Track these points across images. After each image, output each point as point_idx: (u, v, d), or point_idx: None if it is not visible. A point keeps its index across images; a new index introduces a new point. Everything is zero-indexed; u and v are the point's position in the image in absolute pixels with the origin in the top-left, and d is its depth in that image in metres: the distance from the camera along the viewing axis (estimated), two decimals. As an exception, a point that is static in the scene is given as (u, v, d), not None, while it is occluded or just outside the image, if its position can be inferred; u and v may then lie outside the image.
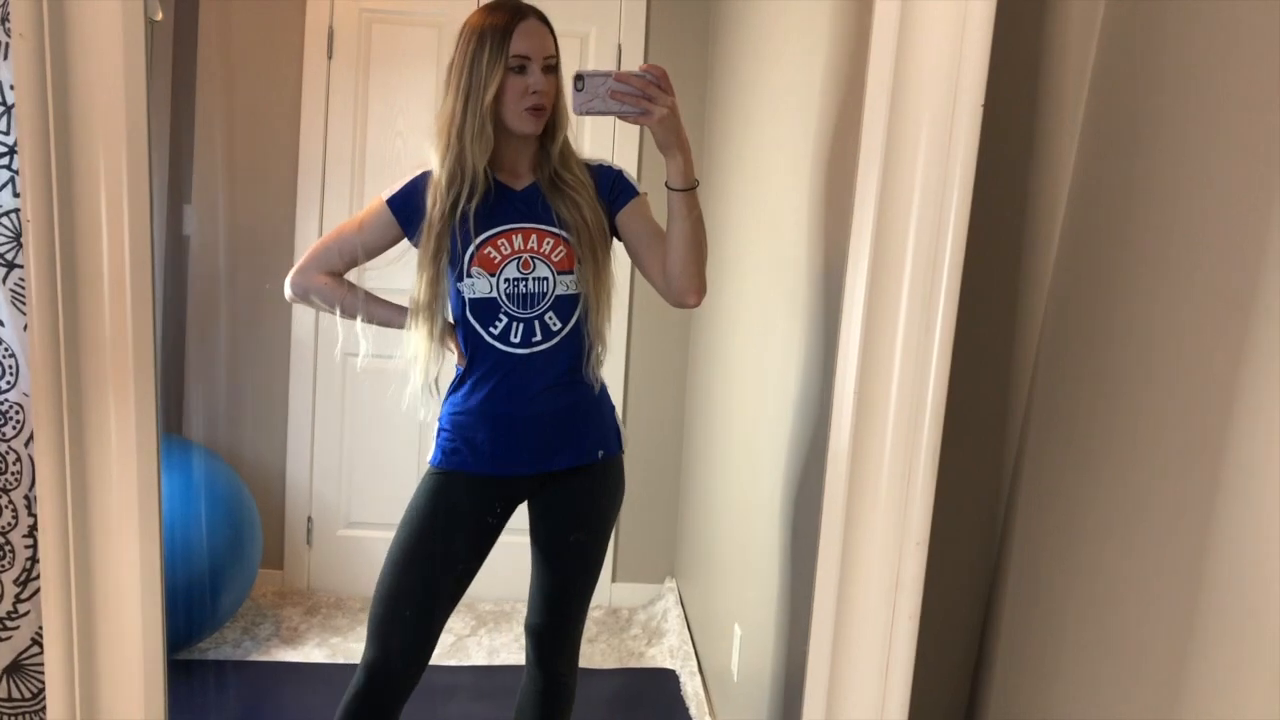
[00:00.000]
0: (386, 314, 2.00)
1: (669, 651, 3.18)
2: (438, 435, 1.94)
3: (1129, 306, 1.27)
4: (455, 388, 1.92)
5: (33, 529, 1.09)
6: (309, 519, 3.46)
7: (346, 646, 3.12)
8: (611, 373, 3.45)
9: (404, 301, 1.92)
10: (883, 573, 1.12)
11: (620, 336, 3.45)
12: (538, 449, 1.90)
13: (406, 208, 1.87)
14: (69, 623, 0.97)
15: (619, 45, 3.37)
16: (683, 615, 3.31)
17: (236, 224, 3.33)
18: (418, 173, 1.89)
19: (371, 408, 3.36)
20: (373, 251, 1.93)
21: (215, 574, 2.77)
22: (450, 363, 1.95)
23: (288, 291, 1.96)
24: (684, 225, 1.77)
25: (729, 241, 2.92)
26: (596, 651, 3.23)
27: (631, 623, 3.43)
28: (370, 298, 2.00)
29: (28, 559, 1.10)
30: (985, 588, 1.64)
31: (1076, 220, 1.42)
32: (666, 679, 3.03)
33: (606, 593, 3.57)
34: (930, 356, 1.09)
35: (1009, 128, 1.27)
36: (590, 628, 3.39)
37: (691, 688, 2.91)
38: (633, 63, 3.34)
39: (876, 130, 1.10)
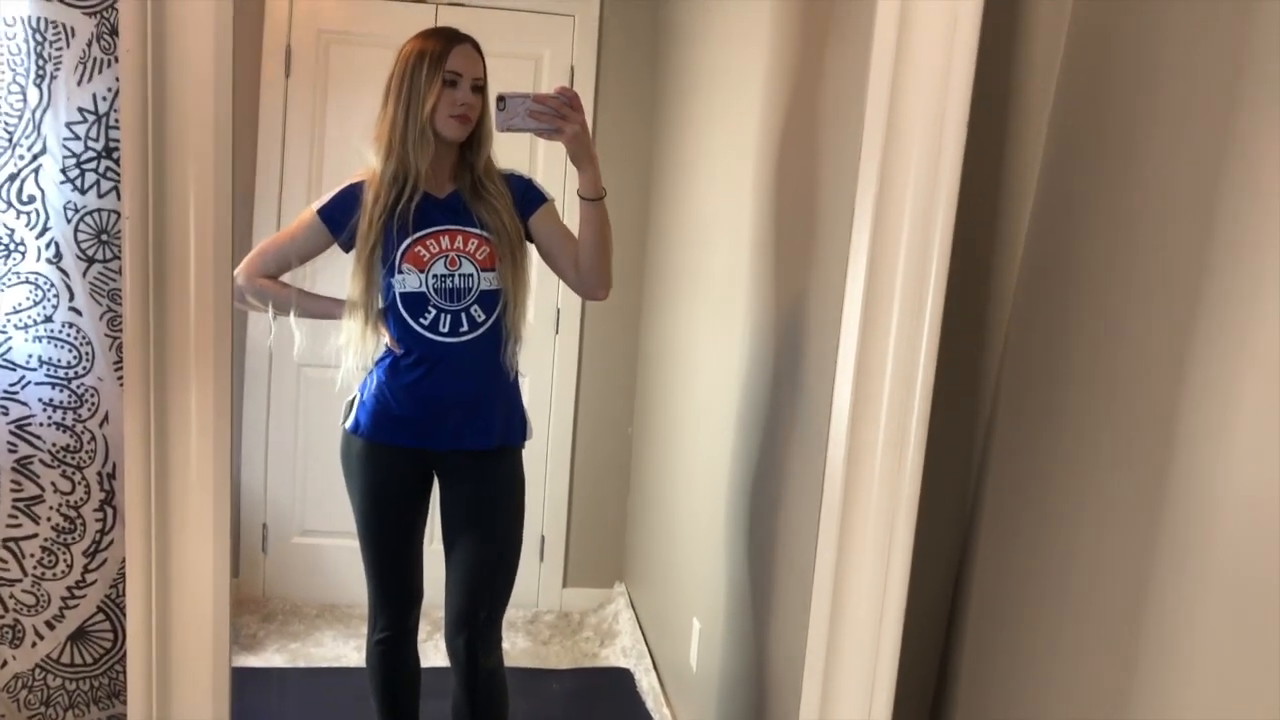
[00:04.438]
0: (321, 307, 2.15)
1: (622, 651, 3.29)
2: (360, 404, 2.09)
3: (1093, 300, 1.34)
4: (387, 368, 2.06)
5: (103, 503, 1.17)
6: (264, 526, 3.49)
7: (306, 651, 3.17)
8: (561, 386, 3.57)
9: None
10: (879, 523, 1.26)
11: (572, 349, 3.57)
12: (452, 428, 2.07)
13: (336, 215, 2.04)
14: (149, 595, 1.05)
15: (571, 66, 3.51)
16: (634, 617, 3.42)
17: (195, 236, 3.36)
18: (346, 184, 2.06)
19: (324, 416, 3.40)
20: (305, 257, 2.10)
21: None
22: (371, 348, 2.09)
23: None
24: (593, 230, 2.00)
25: (677, 251, 3.05)
26: (551, 653, 3.33)
27: (583, 625, 3.54)
28: (303, 294, 2.16)
29: (97, 531, 1.17)
30: (951, 582, 1.70)
31: (1043, 216, 1.51)
32: (622, 677, 3.15)
33: (557, 597, 3.67)
34: (923, 323, 1.24)
35: (979, 124, 1.37)
36: (542, 630, 3.49)
37: (647, 683, 3.02)
38: (585, 83, 3.48)
39: (877, 126, 1.25)
